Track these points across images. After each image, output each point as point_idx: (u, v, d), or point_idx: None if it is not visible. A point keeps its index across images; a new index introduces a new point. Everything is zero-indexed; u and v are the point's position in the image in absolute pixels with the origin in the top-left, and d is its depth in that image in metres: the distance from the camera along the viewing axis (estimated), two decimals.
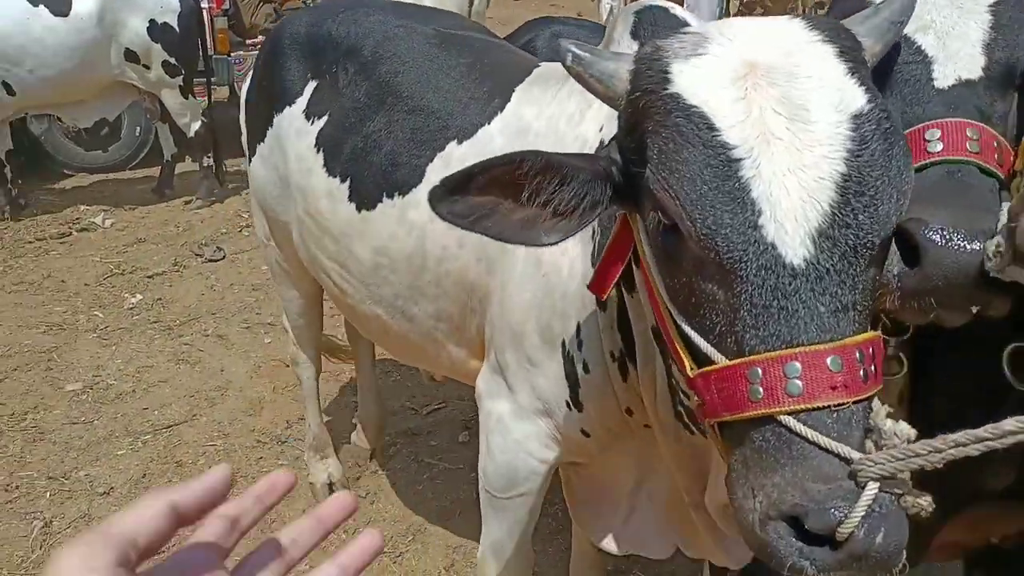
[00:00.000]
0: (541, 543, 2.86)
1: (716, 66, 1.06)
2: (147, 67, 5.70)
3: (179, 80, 5.82)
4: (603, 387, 1.67)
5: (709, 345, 1.03)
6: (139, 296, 4.74)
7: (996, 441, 0.82)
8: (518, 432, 1.84)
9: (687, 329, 1.07)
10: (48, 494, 3.06)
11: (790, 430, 0.94)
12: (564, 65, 1.20)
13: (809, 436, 0.92)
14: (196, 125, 6.06)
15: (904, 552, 0.94)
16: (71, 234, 5.66)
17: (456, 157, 1.92)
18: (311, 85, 2.27)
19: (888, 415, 0.97)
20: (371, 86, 2.11)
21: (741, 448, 1.00)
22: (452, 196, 1.14)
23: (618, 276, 1.35)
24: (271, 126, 2.38)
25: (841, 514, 0.88)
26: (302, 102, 2.27)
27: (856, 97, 1.03)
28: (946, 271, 1.10)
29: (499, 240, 1.22)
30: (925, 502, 0.93)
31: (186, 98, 5.93)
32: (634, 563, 2.69)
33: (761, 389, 0.95)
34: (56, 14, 5.29)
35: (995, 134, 1.24)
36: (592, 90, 1.20)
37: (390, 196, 2.02)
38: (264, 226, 2.65)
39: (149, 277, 4.98)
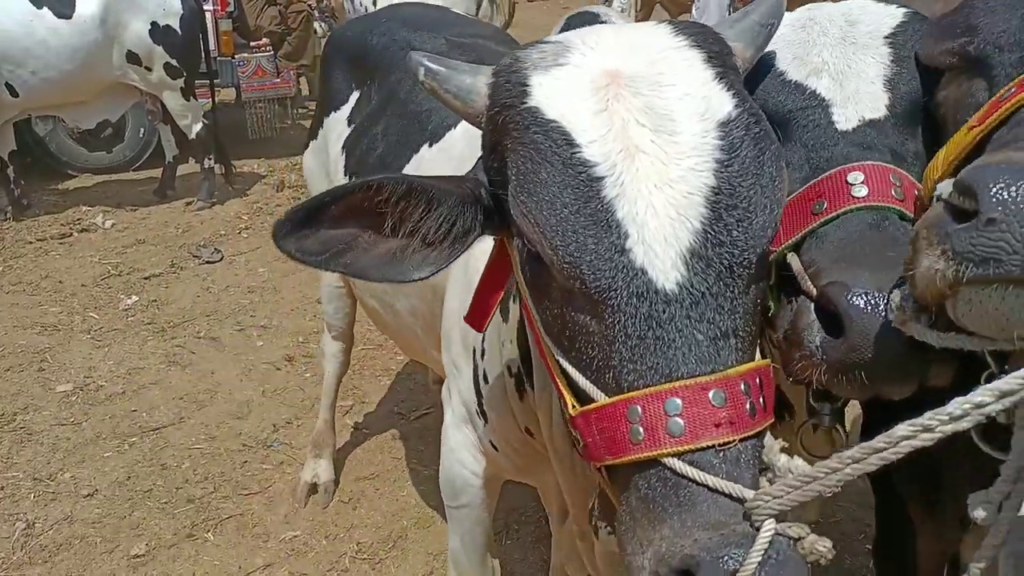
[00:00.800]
0: (523, 551, 2.84)
1: (576, 77, 0.99)
2: (149, 69, 5.73)
3: (180, 82, 5.84)
4: (501, 400, 1.62)
5: (587, 381, 0.94)
6: (135, 297, 4.75)
7: (891, 450, 0.77)
8: (452, 440, 1.84)
9: (564, 363, 0.98)
10: (32, 496, 3.07)
11: (675, 472, 0.86)
12: (418, 80, 1.10)
13: (696, 478, 0.85)
14: (197, 127, 6.08)
15: None
16: (71, 235, 5.69)
17: (426, 159, 1.95)
18: (355, 95, 2.42)
19: (782, 450, 0.90)
20: (382, 95, 2.24)
21: (627, 496, 0.92)
22: (301, 230, 1.01)
23: (496, 307, 1.25)
24: (321, 127, 2.56)
25: (735, 563, 0.80)
26: (346, 109, 2.42)
27: (723, 103, 0.96)
28: (874, 341, 0.98)
29: (360, 278, 1.10)
30: (824, 548, 0.85)
31: (187, 100, 5.96)
32: None
33: (642, 429, 0.87)
34: (59, 16, 5.33)
35: (913, 181, 1.15)
36: (450, 106, 1.10)
37: None
38: None
39: (146, 278, 5.00)
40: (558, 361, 0.99)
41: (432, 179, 1.08)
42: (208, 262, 5.26)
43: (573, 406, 0.97)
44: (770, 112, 1.18)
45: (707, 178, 0.91)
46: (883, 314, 0.98)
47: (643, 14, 11.68)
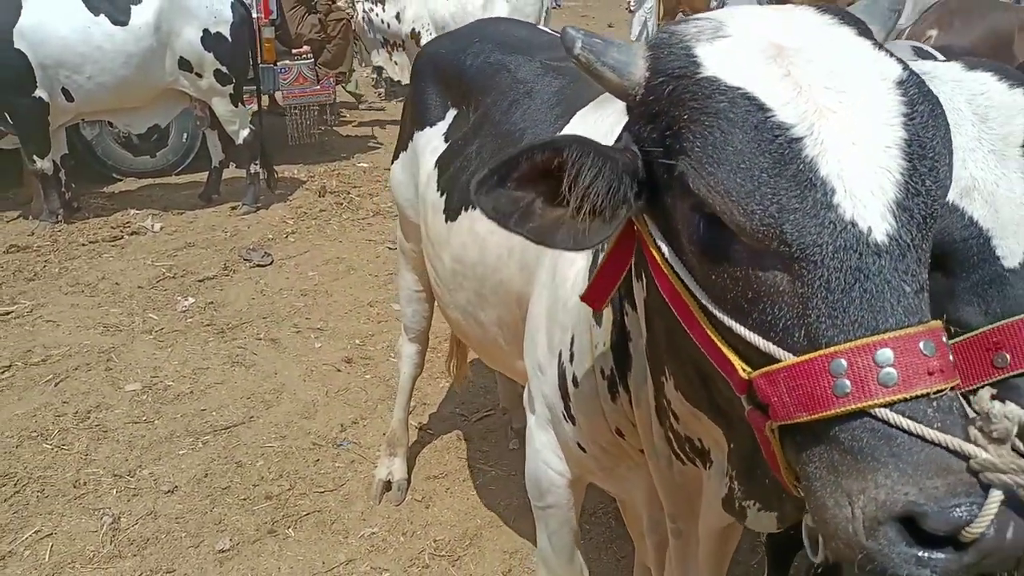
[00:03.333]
0: (596, 551, 2.90)
1: (745, 47, 0.99)
2: (199, 75, 5.84)
3: (230, 88, 5.96)
4: (591, 403, 1.64)
5: (771, 344, 0.94)
6: (191, 299, 4.85)
7: None
8: (537, 442, 1.88)
9: (741, 330, 0.96)
10: (115, 491, 3.15)
11: (889, 424, 0.84)
12: (571, 54, 1.08)
13: (913, 429, 0.83)
14: (245, 132, 6.19)
15: None
16: (122, 237, 5.80)
17: None
18: (452, 112, 2.46)
19: (993, 396, 0.89)
20: (478, 116, 2.27)
21: (821, 452, 0.89)
22: (497, 189, 1.05)
23: (615, 288, 1.27)
24: (412, 140, 2.60)
25: (965, 513, 0.78)
26: (442, 126, 2.46)
27: (892, 66, 0.99)
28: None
29: (542, 243, 1.10)
30: None
31: (236, 106, 6.07)
32: None
33: (848, 383, 0.86)
34: (115, 23, 5.45)
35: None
36: (603, 79, 1.08)
37: (467, 210, 2.11)
38: (399, 216, 2.88)
39: (200, 281, 5.10)
40: (729, 328, 0.98)
41: (603, 145, 1.08)
42: (259, 265, 5.36)
43: (745, 370, 0.96)
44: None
45: (899, 131, 0.94)
46: None
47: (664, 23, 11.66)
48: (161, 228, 5.99)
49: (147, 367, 4.07)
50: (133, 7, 5.51)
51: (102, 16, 5.41)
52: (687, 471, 1.52)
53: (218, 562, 2.82)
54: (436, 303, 2.78)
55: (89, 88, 5.49)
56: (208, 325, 4.53)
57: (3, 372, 3.96)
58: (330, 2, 7.69)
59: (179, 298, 4.86)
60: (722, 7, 5.48)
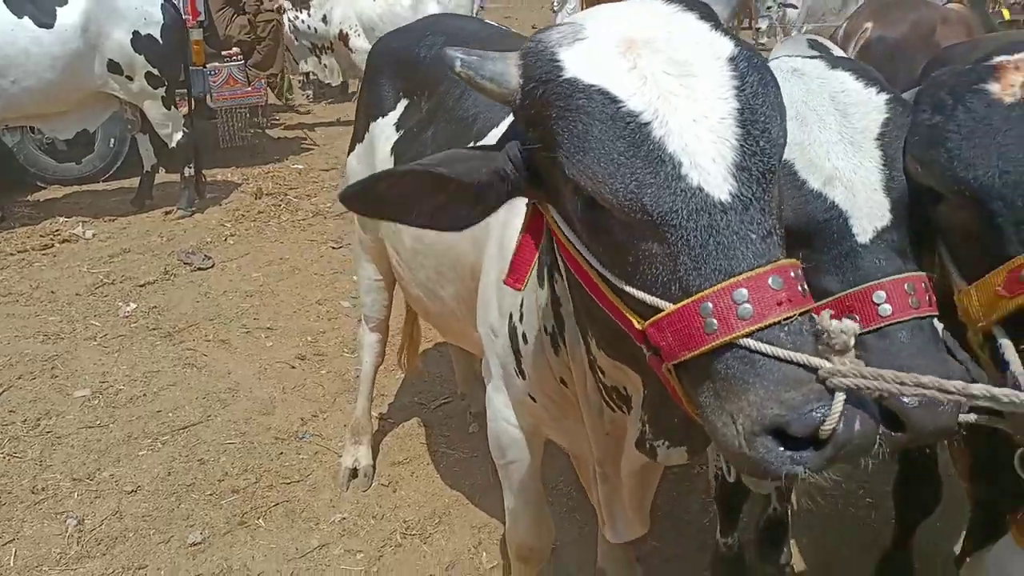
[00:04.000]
0: (559, 521, 3.04)
1: (600, 46, 1.13)
2: (130, 78, 5.74)
3: (162, 91, 5.87)
4: (538, 357, 1.81)
5: (654, 297, 1.08)
6: (133, 304, 4.78)
7: (955, 397, 0.97)
8: (496, 402, 2.06)
9: (630, 290, 1.11)
10: (76, 494, 3.12)
11: (751, 351, 0.99)
12: (453, 71, 1.21)
13: (770, 352, 0.98)
14: (178, 136, 6.11)
15: (878, 431, 1.02)
16: (53, 245, 5.64)
17: None
18: (403, 103, 2.56)
19: (831, 316, 1.07)
20: (431, 104, 2.39)
21: (706, 382, 1.04)
22: (358, 202, 1.24)
23: (532, 266, 1.39)
24: (368, 131, 2.69)
25: (820, 415, 0.95)
26: (394, 115, 2.56)
27: (725, 44, 1.13)
28: (929, 431, 1.25)
29: (413, 226, 1.27)
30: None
31: (168, 109, 5.98)
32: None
33: (715, 321, 1.00)
34: (41, 26, 5.31)
35: (921, 276, 1.35)
36: (485, 91, 1.21)
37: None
38: None
39: (140, 286, 5.03)
40: (622, 290, 1.13)
41: (462, 164, 1.21)
42: (200, 268, 5.31)
43: (640, 322, 1.11)
44: (799, 222, 1.36)
45: (731, 103, 1.08)
46: (933, 410, 1.23)
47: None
48: (93, 235, 5.85)
49: (94, 373, 4.01)
50: (59, 9, 5.37)
51: (26, 18, 5.26)
52: (616, 419, 1.70)
53: (190, 555, 2.84)
54: (397, 287, 2.89)
55: (13, 92, 5.33)
56: (154, 329, 4.48)
57: None
58: (259, 3, 7.62)
59: (120, 304, 4.78)
60: None
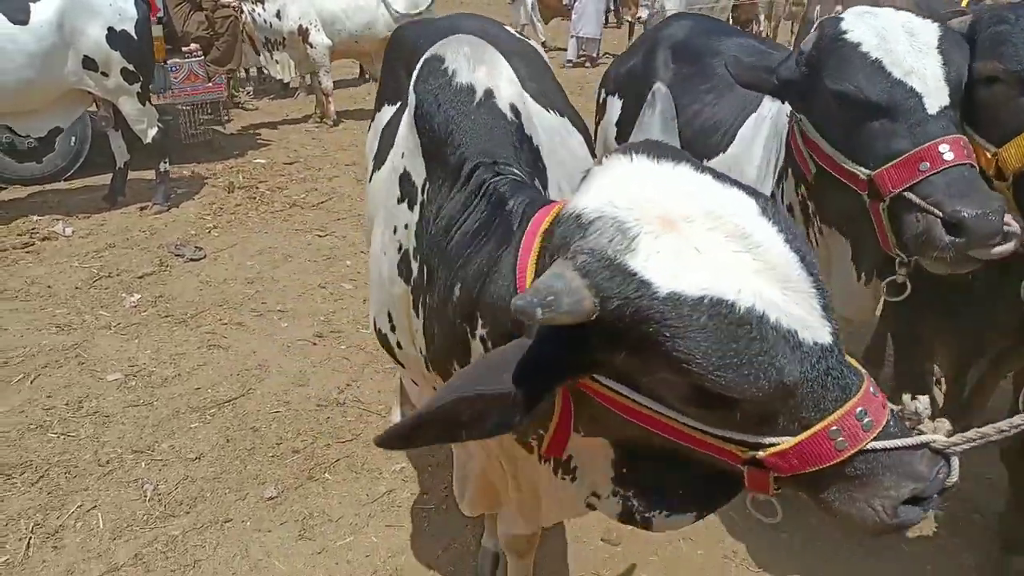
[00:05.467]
0: None
1: (668, 246, 1.09)
2: (105, 75, 5.74)
3: (137, 87, 5.89)
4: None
5: (772, 437, 1.15)
6: (137, 295, 4.86)
7: None
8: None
9: (740, 436, 1.17)
10: (142, 463, 3.29)
11: (879, 450, 1.13)
12: (533, 321, 1.07)
13: (898, 445, 1.13)
14: (152, 131, 6.14)
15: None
16: (34, 243, 5.61)
17: None
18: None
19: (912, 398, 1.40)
20: None
21: (835, 483, 1.16)
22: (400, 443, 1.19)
23: (568, 438, 1.39)
24: (379, 112, 2.83)
25: (943, 475, 1.15)
26: (397, 107, 2.62)
27: (747, 199, 1.18)
28: (984, 233, 1.78)
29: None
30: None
31: (143, 105, 6.01)
32: None
33: (844, 439, 1.12)
34: (15, 22, 5.27)
35: (966, 138, 1.92)
36: (563, 324, 1.10)
37: (377, 168, 2.42)
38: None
39: (139, 278, 5.10)
40: (727, 437, 1.18)
41: (476, 399, 1.14)
42: (193, 259, 5.41)
43: (742, 451, 1.17)
44: (887, 101, 1.94)
45: (791, 254, 1.13)
46: (986, 219, 1.79)
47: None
48: (73, 232, 5.84)
49: (120, 358, 4.12)
50: (33, 5, 5.35)
51: (0, 15, 5.23)
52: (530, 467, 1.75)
53: (270, 507, 3.07)
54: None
55: None
56: (166, 316, 4.60)
57: None
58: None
59: (124, 295, 4.86)
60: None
